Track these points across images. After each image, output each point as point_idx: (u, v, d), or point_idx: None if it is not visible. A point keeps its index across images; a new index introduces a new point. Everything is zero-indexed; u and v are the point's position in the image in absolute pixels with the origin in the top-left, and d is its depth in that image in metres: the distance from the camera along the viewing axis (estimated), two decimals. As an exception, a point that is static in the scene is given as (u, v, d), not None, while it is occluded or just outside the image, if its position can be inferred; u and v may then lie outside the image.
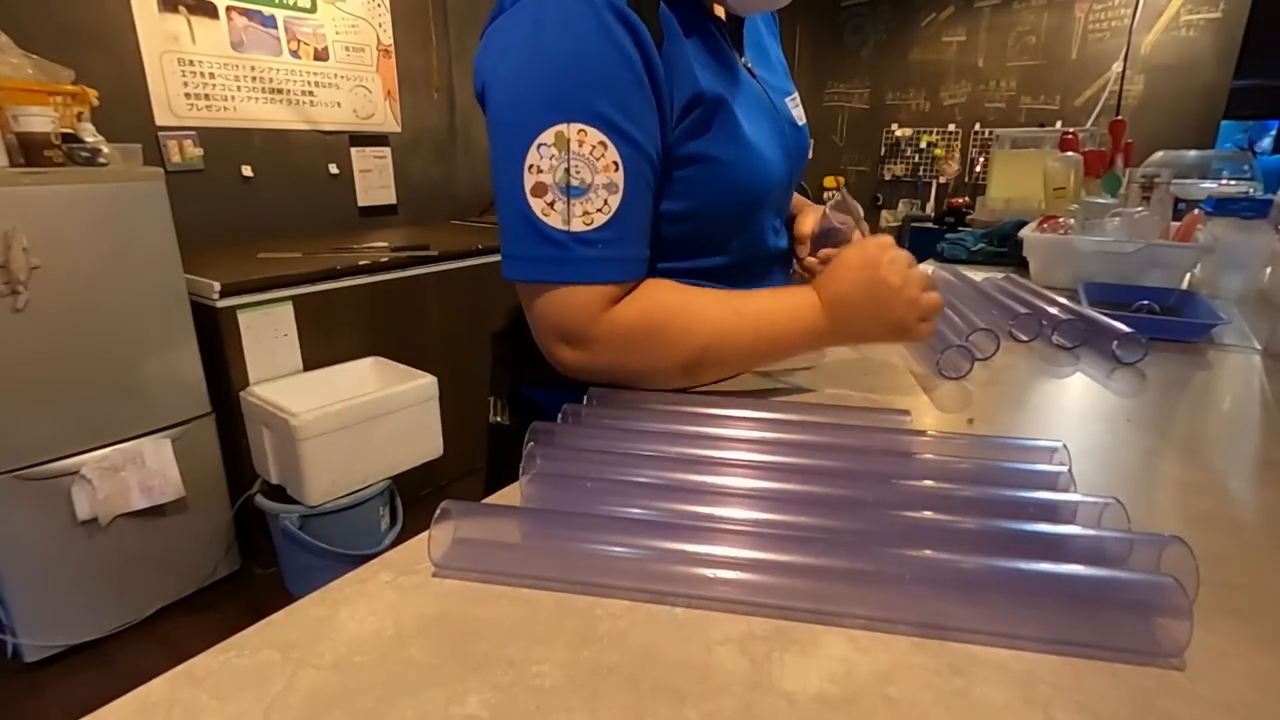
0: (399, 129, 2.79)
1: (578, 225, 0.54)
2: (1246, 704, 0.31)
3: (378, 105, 2.70)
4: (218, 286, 1.72)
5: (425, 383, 1.95)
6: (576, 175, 0.54)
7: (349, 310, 2.05)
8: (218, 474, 1.88)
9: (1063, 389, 0.73)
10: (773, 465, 0.49)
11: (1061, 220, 1.25)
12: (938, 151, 4.30)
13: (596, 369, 0.60)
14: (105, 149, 1.59)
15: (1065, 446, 0.50)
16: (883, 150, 4.55)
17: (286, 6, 2.37)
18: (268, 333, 1.86)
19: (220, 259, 2.00)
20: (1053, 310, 0.87)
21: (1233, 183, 2.11)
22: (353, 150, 2.66)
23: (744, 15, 0.72)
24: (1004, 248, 1.45)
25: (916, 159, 4.42)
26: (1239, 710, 0.31)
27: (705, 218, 0.66)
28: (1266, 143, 4.02)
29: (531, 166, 0.54)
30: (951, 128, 4.25)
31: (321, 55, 2.49)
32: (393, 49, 2.71)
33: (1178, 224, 1.14)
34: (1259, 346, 0.87)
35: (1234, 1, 3.30)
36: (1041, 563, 0.36)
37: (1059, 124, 3.76)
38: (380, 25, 2.66)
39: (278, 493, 1.83)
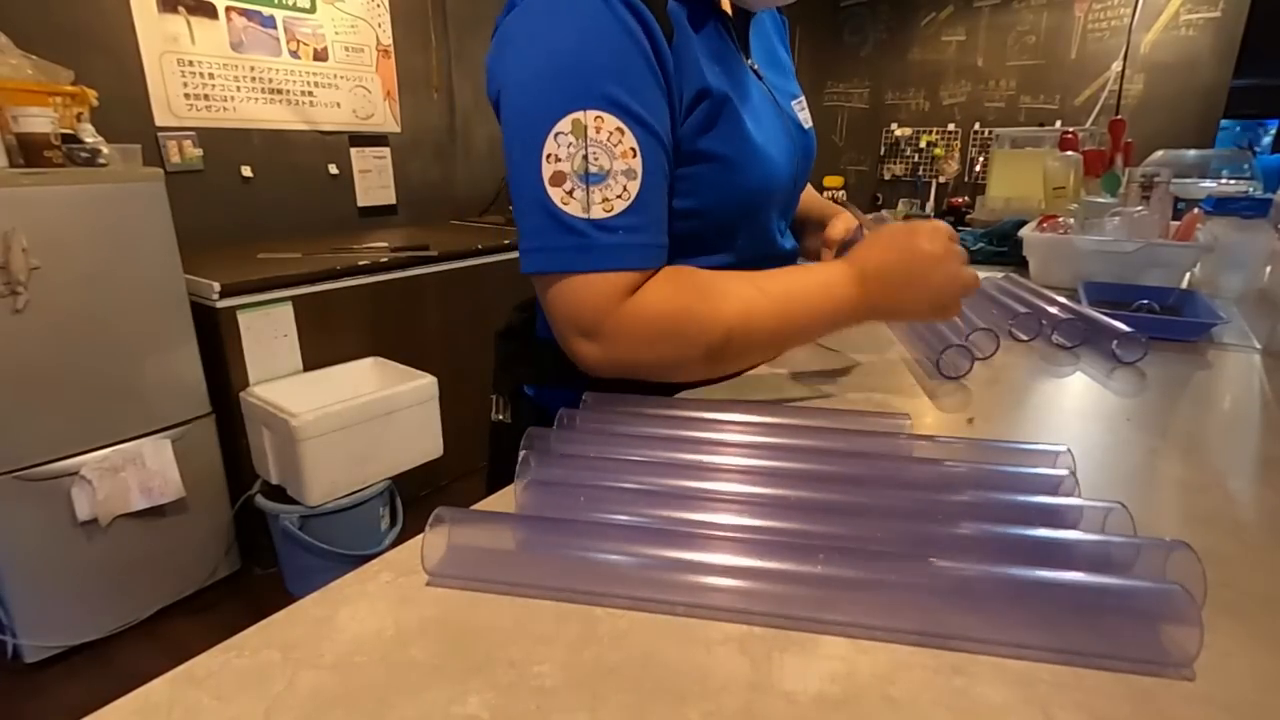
0: (399, 129, 2.79)
1: (598, 212, 0.54)
2: (1248, 704, 0.31)
3: (377, 105, 2.70)
4: (217, 287, 1.72)
5: (425, 383, 1.95)
6: (595, 162, 0.54)
7: (349, 310, 2.05)
8: (218, 474, 1.88)
9: (1063, 388, 0.73)
10: (772, 470, 0.49)
11: (1061, 220, 1.25)
12: (937, 151, 4.30)
13: (619, 362, 0.58)
14: (105, 149, 1.59)
15: (1070, 451, 0.50)
16: (882, 150, 4.54)
17: (286, 7, 2.36)
18: (268, 333, 1.86)
19: (220, 259, 2.00)
20: (1053, 310, 0.87)
21: (1232, 182, 2.11)
22: (352, 150, 2.66)
23: (754, 10, 0.72)
24: (1004, 247, 1.45)
25: (916, 159, 4.42)
26: (1240, 710, 0.31)
27: (710, 216, 0.66)
28: (1267, 141, 4.02)
29: (549, 156, 0.54)
30: (951, 127, 4.25)
31: (321, 55, 2.49)
32: (392, 49, 2.71)
33: (1177, 223, 1.14)
34: (1259, 346, 0.87)
35: (1234, 1, 3.30)
36: (1046, 570, 0.36)
37: (1059, 123, 3.76)
38: (380, 25, 2.66)
39: (278, 493, 1.83)
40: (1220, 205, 1.43)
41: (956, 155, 4.26)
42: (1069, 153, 1.50)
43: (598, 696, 0.32)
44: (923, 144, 4.35)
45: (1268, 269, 1.16)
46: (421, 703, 0.31)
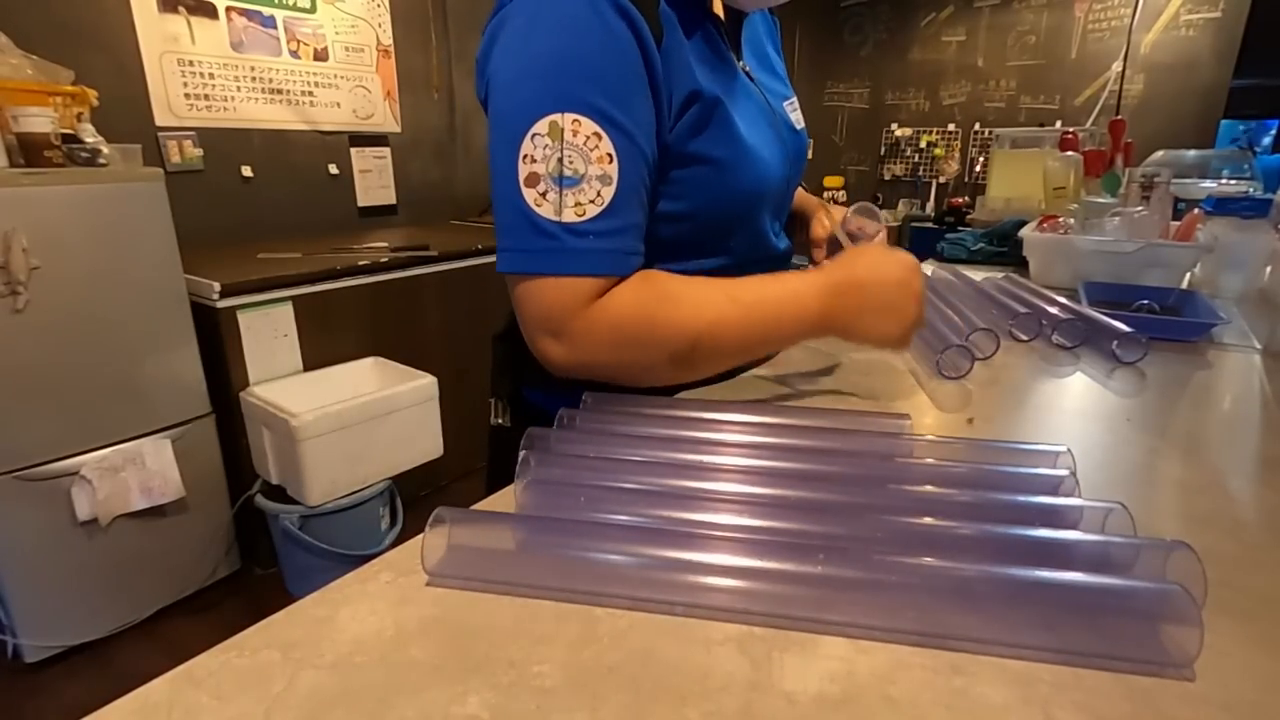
0: (399, 129, 2.79)
1: (569, 215, 0.54)
2: (1247, 704, 0.31)
3: (377, 105, 2.70)
4: (218, 287, 1.72)
5: (425, 383, 1.95)
6: (570, 165, 0.54)
7: (349, 310, 2.05)
8: (218, 474, 1.88)
9: (1063, 389, 0.73)
10: (771, 471, 0.49)
11: (1061, 220, 1.25)
12: (937, 151, 4.30)
13: (583, 364, 0.58)
14: (105, 149, 1.59)
15: (1070, 451, 0.50)
16: (882, 150, 4.54)
17: (286, 7, 2.37)
18: (268, 333, 1.86)
19: (220, 259, 2.00)
20: (1053, 310, 0.87)
21: (1233, 182, 2.11)
22: (352, 150, 2.66)
23: (746, 11, 0.71)
24: (1004, 247, 1.45)
25: (916, 159, 4.41)
26: (1239, 710, 0.31)
27: (703, 218, 0.65)
28: (1267, 141, 4.02)
29: (525, 157, 0.54)
30: (951, 127, 4.25)
31: (321, 55, 2.49)
32: (392, 49, 2.71)
33: (1177, 223, 1.14)
34: (1259, 346, 0.87)
35: (1234, 1, 3.30)
36: (1046, 570, 0.36)
37: (1059, 124, 3.76)
38: (380, 25, 2.66)
39: (278, 493, 1.83)
40: (1220, 205, 1.43)
41: (956, 155, 4.26)
42: (1069, 153, 1.50)
43: (598, 696, 0.32)
44: (923, 144, 4.35)
45: (1268, 269, 1.16)
46: (421, 703, 0.31)
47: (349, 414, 1.76)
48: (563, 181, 0.54)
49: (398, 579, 0.40)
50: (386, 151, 2.76)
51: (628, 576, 0.39)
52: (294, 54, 2.41)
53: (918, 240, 3.79)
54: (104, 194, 1.54)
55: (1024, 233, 1.22)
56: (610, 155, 0.54)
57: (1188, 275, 1.18)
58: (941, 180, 4.33)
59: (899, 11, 4.30)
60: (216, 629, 0.49)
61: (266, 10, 2.31)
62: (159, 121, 2.12)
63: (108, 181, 1.55)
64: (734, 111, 0.63)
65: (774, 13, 0.83)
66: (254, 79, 2.32)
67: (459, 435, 2.10)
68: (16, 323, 1.44)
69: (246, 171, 2.35)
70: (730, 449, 0.51)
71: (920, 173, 4.41)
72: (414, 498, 2.21)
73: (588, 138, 0.53)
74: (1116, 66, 3.64)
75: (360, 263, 2.05)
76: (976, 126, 4.15)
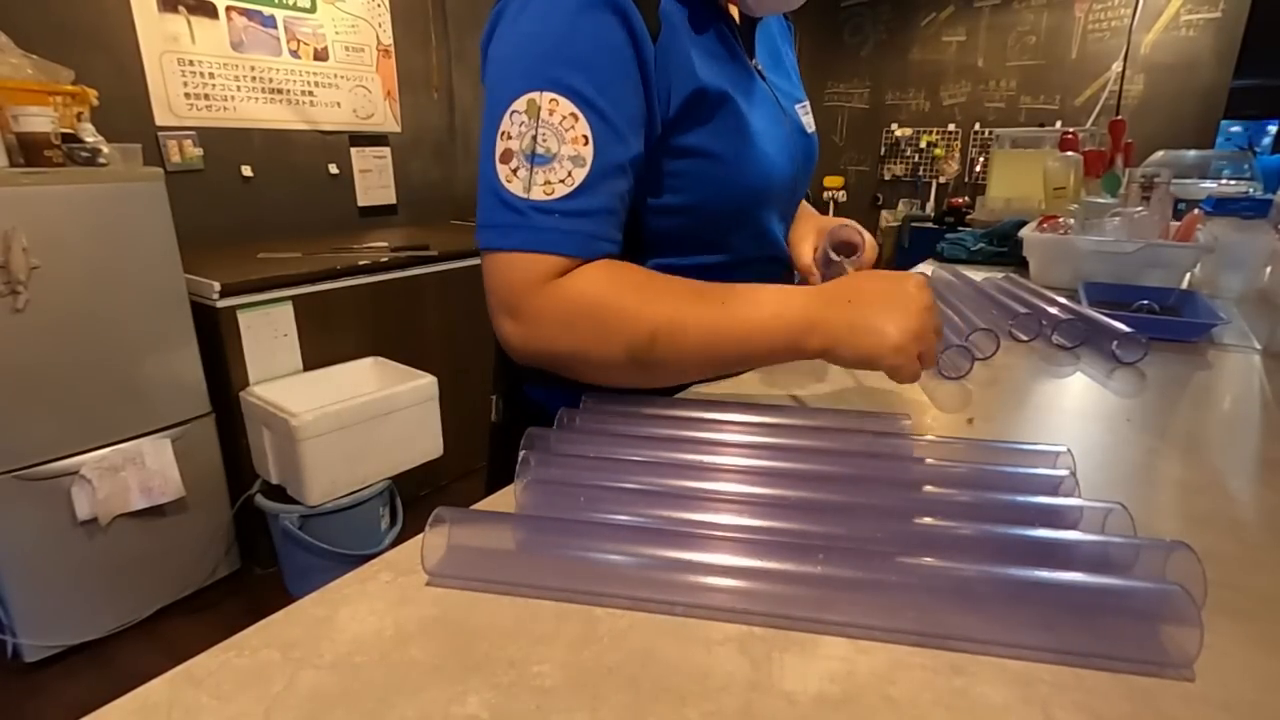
0: (399, 129, 2.79)
1: (538, 194, 0.54)
2: (1247, 704, 0.31)
3: (377, 105, 2.70)
4: (218, 286, 1.72)
5: (425, 383, 1.95)
6: (543, 143, 0.53)
7: (349, 310, 2.05)
8: (218, 474, 1.88)
9: (1063, 389, 0.73)
10: (771, 471, 0.49)
11: (1061, 220, 1.25)
12: (938, 151, 4.30)
13: (539, 347, 0.56)
14: (105, 149, 1.59)
15: (1070, 451, 0.50)
16: (883, 150, 4.54)
17: (286, 6, 2.36)
18: (267, 333, 1.86)
19: (220, 259, 2.00)
20: (1053, 310, 0.87)
21: (1233, 182, 2.11)
22: (353, 150, 2.66)
23: (757, 15, 0.72)
24: (1004, 247, 1.45)
25: (916, 159, 4.41)
26: (1239, 710, 0.31)
27: (704, 213, 0.65)
28: (1267, 142, 4.02)
29: (503, 133, 0.54)
30: (951, 128, 4.25)
31: (321, 55, 2.49)
32: (392, 49, 2.71)
33: (1177, 224, 1.14)
34: (1259, 346, 0.87)
35: (1234, 1, 3.30)
36: (1046, 570, 0.36)
37: (1059, 124, 3.76)
38: (380, 25, 2.66)
39: (278, 493, 1.83)
40: (1220, 206, 1.43)
41: (957, 155, 4.26)
42: (1069, 153, 1.50)
43: (598, 696, 0.32)
44: (923, 144, 4.35)
45: (1268, 269, 1.16)
46: (421, 703, 0.31)
47: (349, 414, 1.76)
48: (534, 159, 0.54)
49: (398, 579, 0.40)
50: (386, 151, 2.76)
51: (628, 576, 0.39)
52: (294, 54, 2.41)
53: (917, 240, 3.79)
54: (104, 194, 1.54)
55: (1024, 233, 1.22)
56: (586, 137, 0.54)
57: (1188, 275, 1.18)
58: (941, 180, 4.33)
59: (899, 11, 4.30)
60: (216, 629, 0.49)
61: (266, 10, 2.31)
62: (159, 121, 2.12)
63: (108, 181, 1.55)
64: (742, 107, 0.64)
65: (788, 17, 0.83)
66: (254, 79, 2.32)
67: (459, 435, 2.10)
68: (16, 322, 1.44)
69: (246, 171, 2.35)
70: (730, 449, 0.51)
71: (920, 173, 4.41)
72: (414, 498, 2.21)
73: (564, 118, 0.53)
74: (1116, 67, 3.64)
75: (360, 262, 2.05)
76: (976, 126, 4.15)
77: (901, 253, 3.90)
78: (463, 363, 2.29)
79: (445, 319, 2.32)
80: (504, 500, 0.49)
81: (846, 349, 0.52)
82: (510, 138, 0.54)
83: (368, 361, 2.09)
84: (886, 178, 4.55)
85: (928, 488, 0.47)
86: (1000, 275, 1.09)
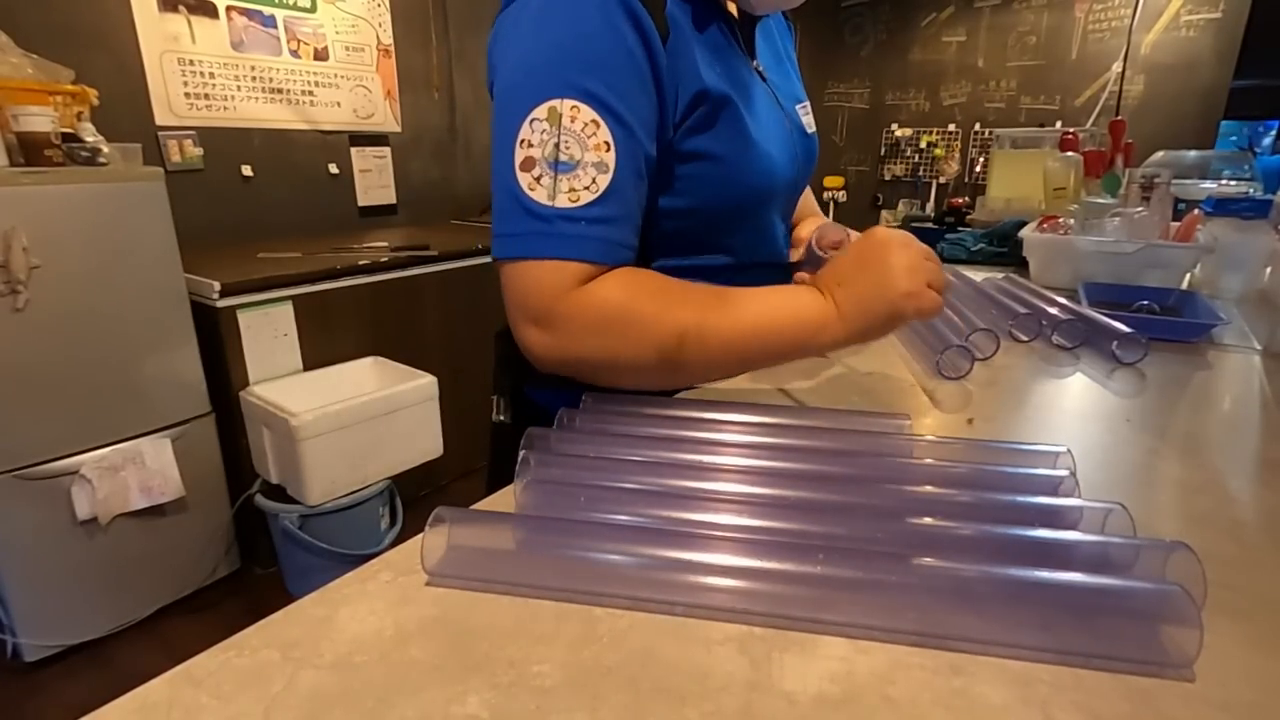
0: (399, 129, 2.79)
1: (563, 201, 0.54)
2: (1246, 704, 0.31)
3: (378, 105, 2.70)
4: (218, 286, 1.72)
5: (425, 383, 1.95)
6: (566, 151, 0.53)
7: (349, 310, 2.05)
8: (218, 474, 1.88)
9: (1063, 389, 0.73)
10: (771, 471, 0.49)
11: (1061, 220, 1.25)
12: (938, 151, 4.30)
13: (567, 355, 0.56)
14: (105, 149, 1.59)
15: (1070, 451, 0.50)
16: (883, 150, 4.54)
17: (286, 6, 2.36)
18: (267, 333, 1.86)
19: (220, 259, 2.00)
20: (1053, 310, 0.87)
21: (1233, 183, 2.11)
22: (353, 150, 2.66)
23: (758, 14, 0.72)
24: (1004, 248, 1.45)
25: (916, 159, 4.41)
26: (1239, 710, 0.31)
27: (707, 215, 0.66)
28: (1267, 142, 4.02)
29: (523, 141, 0.54)
30: (951, 128, 4.24)
31: (321, 55, 2.49)
32: (392, 49, 2.71)
33: (1178, 224, 1.14)
34: (1259, 346, 0.87)
35: (1234, 1, 3.30)
36: (1046, 570, 0.36)
37: (1059, 124, 3.76)
38: (380, 25, 2.66)
39: (278, 493, 1.83)
40: (1220, 206, 1.43)
41: (957, 156, 4.26)
42: (1069, 153, 1.50)
43: (597, 696, 0.32)
44: (923, 144, 4.35)
45: (1268, 270, 1.16)
46: (421, 702, 0.31)
47: (349, 414, 1.76)
48: (558, 166, 0.53)
49: (397, 579, 0.40)
50: (386, 151, 2.76)
51: (628, 576, 0.39)
52: (294, 53, 2.41)
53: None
54: (104, 193, 1.54)
55: (1024, 233, 1.22)
56: (608, 144, 0.54)
57: (1188, 276, 1.18)
58: (941, 180, 4.32)
59: (899, 12, 4.30)
60: (216, 629, 0.49)
61: (267, 10, 2.31)
62: (159, 121, 2.12)
63: (108, 181, 1.55)
64: (744, 109, 0.64)
65: (789, 17, 0.83)
66: (254, 78, 2.32)
67: (459, 435, 2.10)
68: (16, 322, 1.44)
69: (247, 171, 2.35)
70: (730, 449, 0.51)
71: (920, 173, 4.41)
72: (414, 497, 2.21)
73: (585, 125, 0.53)
74: (1116, 67, 3.64)
75: (360, 262, 2.05)
76: (977, 127, 4.15)
77: (901, 253, 3.89)
78: (462, 363, 2.29)
79: (445, 319, 2.32)
80: (504, 500, 0.49)
81: (862, 322, 0.57)
82: (531, 145, 0.53)
83: (367, 361, 2.09)
84: (886, 178, 4.55)
85: (927, 488, 0.47)
86: (1000, 275, 1.09)
